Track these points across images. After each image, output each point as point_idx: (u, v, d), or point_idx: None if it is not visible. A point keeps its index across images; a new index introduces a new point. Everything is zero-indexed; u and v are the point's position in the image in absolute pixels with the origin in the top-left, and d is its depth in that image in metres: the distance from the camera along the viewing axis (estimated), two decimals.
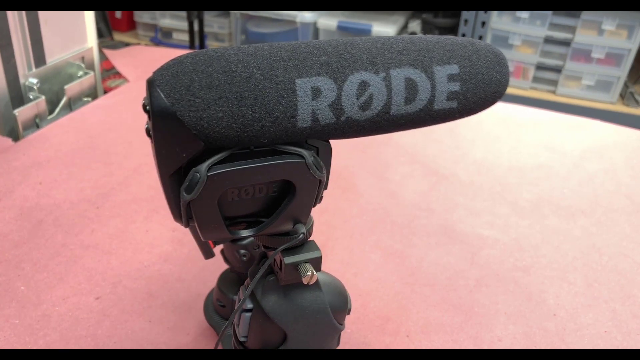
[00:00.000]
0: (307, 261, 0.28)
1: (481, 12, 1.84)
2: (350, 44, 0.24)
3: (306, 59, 0.23)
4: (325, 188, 0.27)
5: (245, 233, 0.26)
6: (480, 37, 1.85)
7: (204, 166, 0.22)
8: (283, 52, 0.23)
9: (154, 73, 0.22)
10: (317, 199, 0.26)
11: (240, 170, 0.23)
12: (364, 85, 0.23)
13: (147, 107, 0.22)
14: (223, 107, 0.22)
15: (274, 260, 0.29)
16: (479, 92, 0.26)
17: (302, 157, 0.24)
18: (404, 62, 0.24)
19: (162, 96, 0.21)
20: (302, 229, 0.27)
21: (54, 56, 0.70)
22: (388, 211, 0.57)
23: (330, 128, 0.24)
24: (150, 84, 0.22)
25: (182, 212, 0.24)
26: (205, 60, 0.22)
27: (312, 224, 0.29)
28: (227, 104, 0.22)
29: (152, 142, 0.23)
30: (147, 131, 0.24)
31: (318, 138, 0.24)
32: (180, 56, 0.22)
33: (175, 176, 0.23)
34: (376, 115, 0.24)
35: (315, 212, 0.29)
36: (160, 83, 0.22)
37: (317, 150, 0.25)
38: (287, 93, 0.22)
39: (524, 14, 1.82)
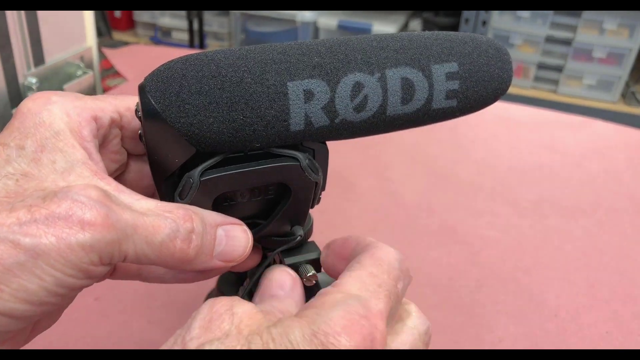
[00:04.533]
0: (307, 262, 0.28)
1: (482, 12, 1.83)
2: (344, 43, 0.24)
3: (298, 61, 0.22)
4: (323, 189, 0.26)
5: None
6: None
7: (196, 171, 0.22)
8: (275, 54, 0.22)
9: (145, 79, 0.22)
10: (315, 200, 0.26)
11: (233, 175, 0.23)
12: (358, 86, 0.23)
13: (139, 113, 0.22)
14: (213, 112, 0.21)
15: (274, 261, 0.29)
16: (479, 89, 0.25)
17: (296, 160, 0.23)
18: (400, 61, 0.24)
19: (153, 102, 0.21)
20: (300, 231, 0.27)
21: (53, 55, 0.70)
22: (388, 211, 0.57)
23: (325, 130, 0.23)
24: (141, 89, 0.22)
25: None
26: (196, 65, 0.22)
27: (312, 224, 0.29)
28: (218, 109, 0.21)
29: (144, 147, 0.23)
30: (140, 136, 0.24)
31: (313, 140, 0.24)
32: (171, 61, 0.22)
33: (169, 180, 0.23)
34: (372, 116, 0.24)
35: (316, 212, 0.29)
36: (151, 89, 0.21)
37: (313, 152, 0.25)
38: (279, 97, 0.22)
39: (525, 13, 1.82)
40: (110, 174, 0.27)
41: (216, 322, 0.20)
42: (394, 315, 0.22)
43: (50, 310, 0.20)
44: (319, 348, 0.18)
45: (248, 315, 0.20)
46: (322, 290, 0.22)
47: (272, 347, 0.18)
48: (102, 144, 0.25)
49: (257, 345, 0.19)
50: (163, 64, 0.22)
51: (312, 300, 0.21)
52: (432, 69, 0.24)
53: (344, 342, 0.19)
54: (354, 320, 0.19)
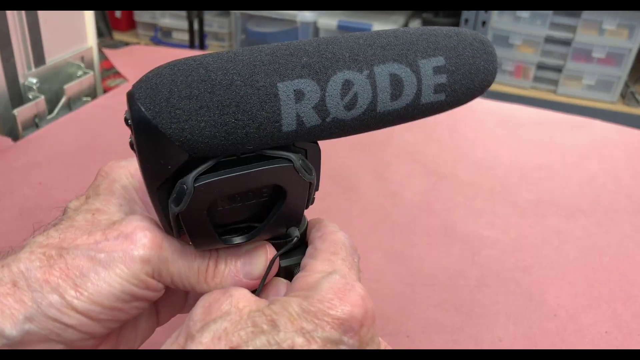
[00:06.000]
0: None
1: (482, 12, 1.83)
2: (332, 42, 0.24)
3: (287, 61, 0.23)
4: (317, 189, 0.26)
5: (237, 240, 0.26)
6: None
7: (190, 177, 0.22)
8: (263, 55, 0.23)
9: (133, 86, 0.22)
10: (309, 201, 0.26)
11: (227, 179, 0.23)
12: (347, 84, 0.23)
13: (129, 121, 0.22)
14: (205, 116, 0.21)
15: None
16: (466, 82, 0.26)
17: (289, 161, 0.23)
18: (387, 58, 0.24)
19: (143, 109, 0.21)
20: (296, 232, 0.27)
21: (53, 56, 0.70)
22: (388, 211, 0.57)
23: (317, 130, 0.23)
24: (130, 97, 0.22)
25: (172, 224, 0.24)
26: (184, 70, 0.22)
27: (307, 226, 0.29)
28: (209, 113, 0.21)
29: (136, 155, 0.23)
30: (131, 145, 0.24)
31: (305, 140, 0.24)
32: (159, 67, 0.22)
33: (162, 188, 0.23)
34: (362, 114, 0.24)
35: (316, 212, 0.29)
36: (140, 96, 0.21)
37: (305, 153, 0.25)
38: (270, 98, 0.22)
39: (524, 14, 1.82)
40: None
41: (215, 304, 0.23)
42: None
43: (119, 317, 0.25)
44: (317, 315, 0.21)
45: (244, 297, 0.23)
46: (297, 276, 0.25)
47: (275, 318, 0.21)
48: None
49: (260, 320, 0.21)
50: (151, 70, 0.22)
51: (294, 285, 0.25)
52: (419, 64, 0.24)
53: (338, 305, 0.22)
54: (340, 288, 0.23)
